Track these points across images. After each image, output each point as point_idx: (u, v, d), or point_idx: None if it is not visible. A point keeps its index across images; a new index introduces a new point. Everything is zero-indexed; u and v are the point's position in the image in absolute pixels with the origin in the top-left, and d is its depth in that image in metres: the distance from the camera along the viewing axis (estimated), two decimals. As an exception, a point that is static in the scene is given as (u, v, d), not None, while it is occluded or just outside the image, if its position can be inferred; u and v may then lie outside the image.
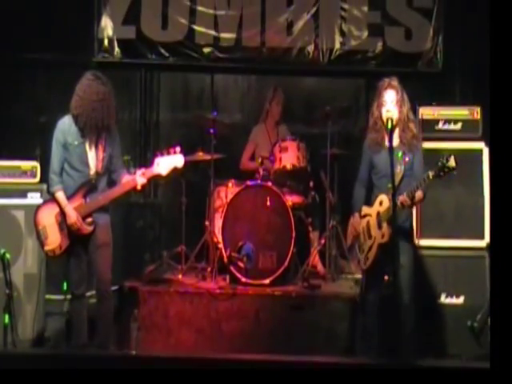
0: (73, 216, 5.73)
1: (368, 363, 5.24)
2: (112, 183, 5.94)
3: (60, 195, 5.78)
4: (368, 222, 5.68)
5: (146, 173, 5.83)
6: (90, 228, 5.78)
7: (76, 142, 5.78)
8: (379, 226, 5.54)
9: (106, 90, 5.78)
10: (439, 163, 5.19)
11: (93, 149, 5.81)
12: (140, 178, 5.81)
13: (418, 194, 5.41)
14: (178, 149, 5.84)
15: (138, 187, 5.84)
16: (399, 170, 5.48)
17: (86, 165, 5.80)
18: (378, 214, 5.55)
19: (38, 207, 5.93)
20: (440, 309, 6.36)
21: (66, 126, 5.81)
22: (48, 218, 5.82)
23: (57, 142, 5.81)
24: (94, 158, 5.81)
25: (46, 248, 5.84)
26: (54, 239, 5.80)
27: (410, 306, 5.55)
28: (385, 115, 5.51)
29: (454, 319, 6.32)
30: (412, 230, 5.83)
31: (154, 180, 6.62)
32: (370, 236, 5.64)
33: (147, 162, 6.11)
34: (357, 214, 5.77)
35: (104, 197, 5.83)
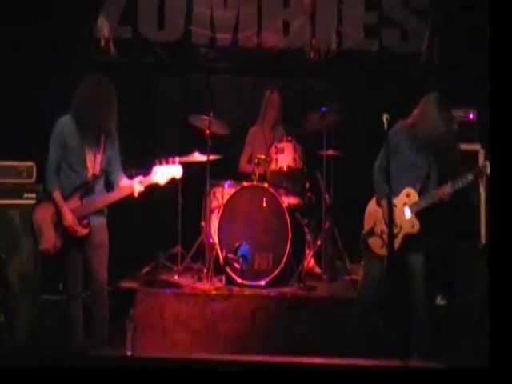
0: (69, 218, 5.73)
1: (363, 364, 5.26)
2: (109, 185, 5.94)
3: (57, 195, 5.77)
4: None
5: (144, 181, 5.82)
6: (86, 230, 5.78)
7: (75, 143, 5.77)
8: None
9: (109, 92, 5.78)
10: (477, 169, 5.71)
11: (92, 150, 5.80)
12: (137, 185, 5.80)
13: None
14: (176, 159, 5.85)
15: (135, 195, 5.82)
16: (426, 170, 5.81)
17: (84, 166, 5.79)
18: (405, 204, 5.74)
19: (35, 205, 5.92)
20: (437, 309, 6.37)
21: (64, 126, 5.80)
22: (44, 218, 5.81)
23: (55, 141, 5.80)
24: (92, 160, 5.80)
25: (41, 247, 5.83)
26: (49, 239, 5.79)
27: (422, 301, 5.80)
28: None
29: (451, 319, 6.33)
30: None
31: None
32: (396, 224, 5.71)
33: (144, 164, 6.07)
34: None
35: (101, 201, 5.83)
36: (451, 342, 6.25)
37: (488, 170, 5.60)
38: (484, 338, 5.91)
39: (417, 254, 5.74)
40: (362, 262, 6.24)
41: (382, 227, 5.81)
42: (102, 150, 5.82)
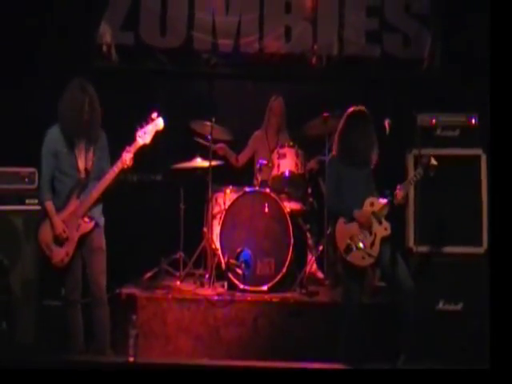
0: (58, 227, 5.77)
1: (366, 369, 5.25)
2: None
3: (48, 205, 5.82)
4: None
5: (131, 149, 5.83)
6: (91, 224, 5.82)
7: (65, 150, 5.80)
8: (379, 222, 5.88)
9: (91, 98, 5.80)
10: (422, 165, 5.88)
11: (82, 154, 5.83)
12: (126, 154, 5.80)
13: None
14: (154, 114, 5.91)
15: (128, 163, 5.77)
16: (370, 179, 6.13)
17: (77, 169, 5.82)
18: (374, 213, 5.88)
19: (38, 226, 5.91)
20: (438, 315, 6.36)
21: (54, 134, 5.85)
22: (47, 234, 5.82)
23: (46, 151, 5.85)
24: (83, 163, 5.82)
25: (54, 260, 5.82)
26: (59, 251, 5.80)
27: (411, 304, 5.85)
28: None
29: (452, 326, 6.32)
30: None
31: (152, 186, 6.59)
32: (370, 233, 5.89)
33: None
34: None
35: (96, 189, 5.81)
36: (452, 347, 6.25)
37: (433, 161, 5.83)
38: (484, 342, 5.95)
39: (396, 253, 5.85)
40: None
41: (361, 238, 5.90)
42: (92, 152, 5.83)
